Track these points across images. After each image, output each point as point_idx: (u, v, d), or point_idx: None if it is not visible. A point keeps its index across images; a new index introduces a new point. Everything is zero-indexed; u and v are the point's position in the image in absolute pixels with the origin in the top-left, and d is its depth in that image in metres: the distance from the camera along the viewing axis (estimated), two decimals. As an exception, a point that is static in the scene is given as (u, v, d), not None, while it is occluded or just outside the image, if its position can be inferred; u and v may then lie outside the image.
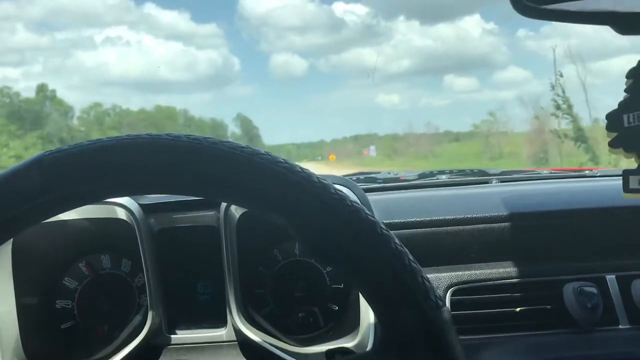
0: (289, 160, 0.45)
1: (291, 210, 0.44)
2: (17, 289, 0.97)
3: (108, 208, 0.97)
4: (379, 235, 0.43)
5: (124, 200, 0.97)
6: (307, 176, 0.44)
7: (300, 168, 0.45)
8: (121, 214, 0.98)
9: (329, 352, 0.58)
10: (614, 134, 0.75)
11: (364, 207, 0.44)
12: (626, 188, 0.74)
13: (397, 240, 0.44)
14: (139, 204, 1.01)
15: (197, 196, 0.46)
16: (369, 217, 0.44)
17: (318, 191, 0.44)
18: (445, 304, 0.43)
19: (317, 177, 0.45)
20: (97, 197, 0.45)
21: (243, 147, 0.44)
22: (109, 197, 0.47)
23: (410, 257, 0.43)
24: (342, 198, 0.44)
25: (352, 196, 0.98)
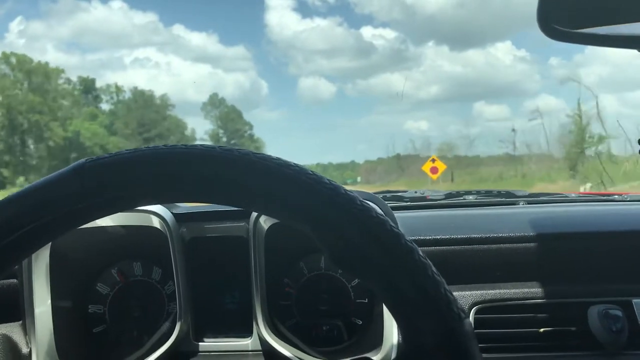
0: (317, 172, 0.47)
1: (316, 220, 0.45)
2: (53, 292, 1.01)
3: (143, 216, 1.00)
4: (403, 247, 0.44)
5: (158, 208, 1.01)
6: (333, 187, 0.46)
7: (328, 180, 0.47)
8: (155, 222, 1.01)
9: None
10: None
11: (389, 219, 0.46)
12: None
13: (420, 252, 0.45)
14: (171, 212, 1.04)
15: (228, 205, 0.48)
16: (394, 229, 0.45)
17: (343, 202, 0.45)
18: (467, 316, 0.44)
19: (344, 190, 0.46)
20: (133, 204, 0.48)
21: (274, 158, 0.46)
22: (144, 204, 0.49)
23: (434, 269, 0.44)
24: (368, 209, 0.45)
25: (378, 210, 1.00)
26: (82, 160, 0.46)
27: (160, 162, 0.45)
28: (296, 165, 0.46)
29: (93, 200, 0.45)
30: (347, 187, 0.48)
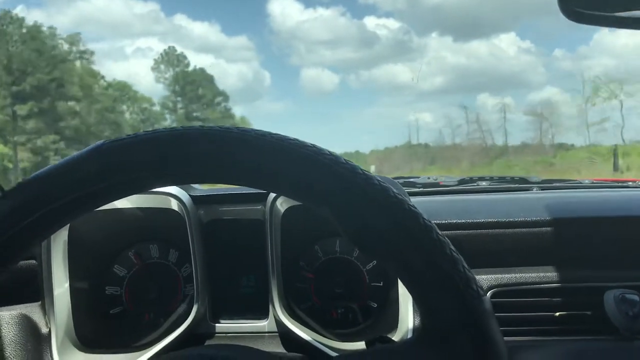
0: (333, 153, 0.47)
1: (333, 201, 0.46)
2: (71, 273, 1.02)
3: (161, 198, 1.01)
4: (421, 225, 0.44)
5: (176, 190, 1.01)
6: (351, 167, 0.46)
7: (345, 160, 0.47)
8: (173, 204, 1.01)
9: (368, 341, 0.59)
10: None
11: (408, 199, 0.46)
12: None
13: (438, 231, 0.45)
14: (189, 195, 1.04)
15: (244, 185, 0.48)
16: (412, 208, 0.45)
17: (361, 182, 0.45)
18: (485, 294, 0.44)
19: (361, 169, 0.47)
20: (151, 185, 0.48)
21: (290, 139, 0.47)
22: (161, 186, 0.49)
23: (452, 247, 0.45)
24: (386, 189, 0.45)
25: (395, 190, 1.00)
26: (101, 141, 0.47)
27: (174, 144, 0.46)
28: (313, 146, 0.47)
29: (110, 182, 0.46)
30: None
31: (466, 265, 0.44)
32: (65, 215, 0.47)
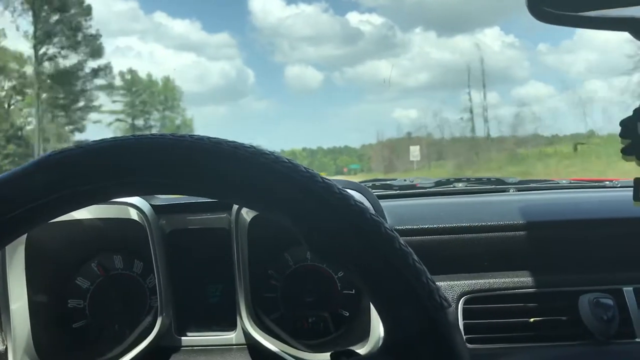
0: (293, 160, 0.45)
1: (293, 210, 0.44)
2: (30, 287, 0.98)
3: (120, 208, 0.97)
4: (382, 235, 0.43)
5: (136, 200, 0.98)
6: (311, 176, 0.44)
7: (305, 168, 0.45)
8: (133, 214, 0.98)
9: (333, 354, 0.57)
10: (628, 141, 0.73)
11: (369, 208, 0.44)
12: (637, 196, 0.72)
13: (401, 241, 0.43)
14: (150, 204, 1.01)
15: (196, 196, 0.46)
16: (373, 217, 0.44)
17: (321, 190, 0.43)
18: (450, 305, 0.43)
19: (322, 177, 0.45)
20: (101, 198, 0.46)
21: (247, 146, 0.45)
22: (113, 198, 0.47)
23: (415, 257, 0.43)
24: (346, 198, 0.44)
25: (358, 196, 0.97)
26: (47, 153, 0.45)
27: (125, 153, 0.43)
28: (272, 154, 0.45)
29: (58, 194, 0.43)
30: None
31: (430, 276, 0.43)
32: (13, 228, 0.44)
